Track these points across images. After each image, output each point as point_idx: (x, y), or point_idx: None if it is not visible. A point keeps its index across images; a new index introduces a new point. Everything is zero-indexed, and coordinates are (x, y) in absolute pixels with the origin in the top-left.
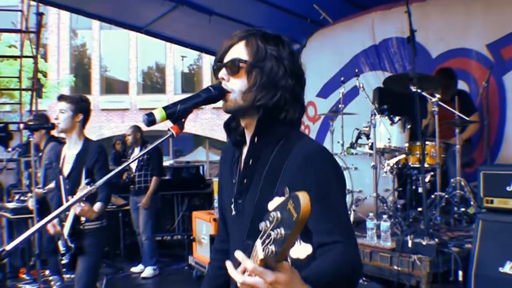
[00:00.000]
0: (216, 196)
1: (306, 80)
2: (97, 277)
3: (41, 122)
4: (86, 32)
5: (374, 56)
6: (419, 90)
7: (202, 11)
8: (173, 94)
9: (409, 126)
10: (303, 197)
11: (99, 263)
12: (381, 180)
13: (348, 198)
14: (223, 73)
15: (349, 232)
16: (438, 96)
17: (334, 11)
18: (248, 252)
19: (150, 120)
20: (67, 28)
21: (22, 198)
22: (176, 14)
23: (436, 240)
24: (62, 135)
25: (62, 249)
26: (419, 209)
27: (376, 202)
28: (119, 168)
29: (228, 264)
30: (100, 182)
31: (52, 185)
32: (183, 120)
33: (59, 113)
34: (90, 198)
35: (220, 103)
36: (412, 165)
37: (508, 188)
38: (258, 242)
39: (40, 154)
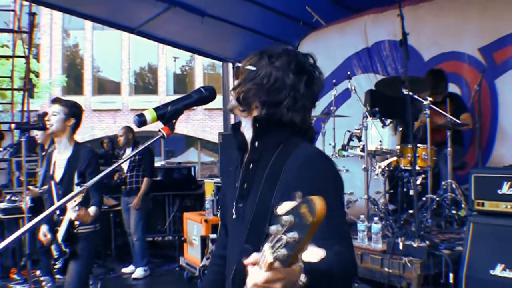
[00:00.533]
0: (207, 197)
1: None
2: (88, 280)
3: (39, 121)
4: (78, 32)
5: (367, 59)
6: (411, 93)
7: (195, 13)
8: (165, 95)
9: (400, 129)
10: (319, 201)
11: (90, 266)
12: (372, 182)
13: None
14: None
15: (345, 236)
16: (430, 99)
17: (326, 13)
18: (247, 257)
19: (141, 121)
20: (60, 28)
21: (13, 198)
22: (168, 15)
23: (427, 242)
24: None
25: (55, 253)
26: (410, 211)
27: (367, 204)
28: (110, 168)
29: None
30: (91, 182)
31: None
32: (174, 121)
33: (51, 115)
34: (83, 203)
35: (211, 105)
36: (403, 168)
37: (499, 191)
38: (267, 246)
39: (44, 153)
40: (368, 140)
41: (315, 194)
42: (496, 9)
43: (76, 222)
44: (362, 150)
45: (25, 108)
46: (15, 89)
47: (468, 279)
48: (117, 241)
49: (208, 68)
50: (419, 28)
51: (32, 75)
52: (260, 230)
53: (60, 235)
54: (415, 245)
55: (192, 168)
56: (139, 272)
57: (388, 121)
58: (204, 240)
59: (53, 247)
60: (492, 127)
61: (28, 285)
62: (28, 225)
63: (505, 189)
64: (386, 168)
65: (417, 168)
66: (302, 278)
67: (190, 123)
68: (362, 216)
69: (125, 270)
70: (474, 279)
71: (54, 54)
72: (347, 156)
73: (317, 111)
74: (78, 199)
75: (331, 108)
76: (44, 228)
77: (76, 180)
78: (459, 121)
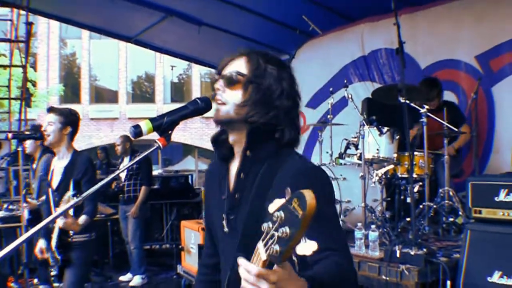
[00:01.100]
0: (205, 205)
1: None
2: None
3: (34, 131)
4: (75, 41)
5: (363, 67)
6: (407, 101)
7: (191, 22)
8: (162, 103)
9: (397, 137)
10: (309, 194)
11: (86, 276)
12: (369, 190)
13: (337, 208)
14: (220, 84)
15: (343, 245)
16: (426, 107)
17: (323, 22)
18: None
19: (137, 132)
20: (57, 37)
21: (10, 207)
22: (165, 24)
23: (425, 250)
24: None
25: (51, 261)
26: (408, 219)
27: (365, 212)
28: (107, 178)
29: (241, 261)
30: (87, 193)
31: (44, 197)
32: (170, 132)
33: (47, 125)
34: (76, 211)
35: (209, 113)
36: (400, 175)
37: (496, 199)
38: (260, 244)
39: (35, 165)
40: (365, 148)
41: None
42: (492, 16)
43: (71, 231)
44: (359, 158)
45: (23, 117)
46: (13, 98)
47: (465, 286)
48: (115, 250)
49: (205, 76)
50: (416, 36)
51: (29, 84)
52: (252, 241)
53: (53, 242)
54: (412, 252)
55: (190, 176)
56: (136, 280)
57: (385, 129)
58: (201, 248)
59: (49, 254)
60: (489, 135)
61: None
62: (26, 235)
63: (502, 197)
64: (383, 176)
65: (414, 176)
66: None
67: (187, 131)
68: (359, 224)
69: (122, 278)
70: (471, 286)
71: (51, 63)
72: (344, 164)
73: (314, 119)
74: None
75: (328, 116)
76: (41, 244)
77: (71, 188)
78: (455, 129)
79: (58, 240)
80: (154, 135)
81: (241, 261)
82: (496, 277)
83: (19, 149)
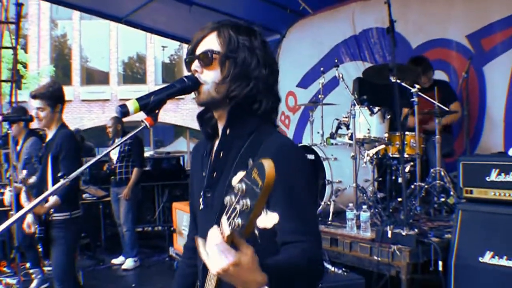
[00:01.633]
0: None
1: (287, 70)
2: (74, 268)
3: (20, 114)
4: (66, 22)
5: (354, 47)
6: (398, 81)
7: (182, 1)
8: (153, 84)
9: (388, 117)
10: (267, 163)
11: (71, 256)
12: (360, 171)
13: (328, 189)
14: (196, 65)
15: (313, 231)
16: (418, 86)
17: (313, 1)
18: None
19: (123, 111)
20: (47, 18)
21: (1, 190)
22: (156, 4)
23: (416, 230)
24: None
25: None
26: (399, 199)
27: (356, 192)
28: (93, 160)
29: (199, 241)
30: (75, 174)
31: (31, 180)
32: (157, 111)
33: (37, 112)
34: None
35: None
36: (392, 155)
37: (487, 178)
38: (224, 218)
39: (19, 148)
40: (356, 128)
41: (284, 187)
42: None
43: (51, 210)
44: (350, 138)
45: (13, 100)
46: (3, 81)
47: (457, 266)
48: (107, 232)
49: None
50: (407, 15)
51: (19, 66)
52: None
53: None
54: (404, 233)
55: (181, 158)
56: (129, 263)
57: (376, 109)
58: None
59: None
60: (480, 114)
61: (18, 278)
62: (14, 217)
63: (493, 176)
64: (375, 156)
65: (406, 155)
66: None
67: (179, 113)
68: (350, 205)
69: (115, 261)
70: (463, 267)
71: (42, 45)
72: (335, 144)
73: (305, 99)
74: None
75: (319, 96)
76: (29, 219)
77: (50, 163)
78: (447, 108)
79: (37, 217)
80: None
81: (200, 242)
82: (487, 257)
83: (10, 131)
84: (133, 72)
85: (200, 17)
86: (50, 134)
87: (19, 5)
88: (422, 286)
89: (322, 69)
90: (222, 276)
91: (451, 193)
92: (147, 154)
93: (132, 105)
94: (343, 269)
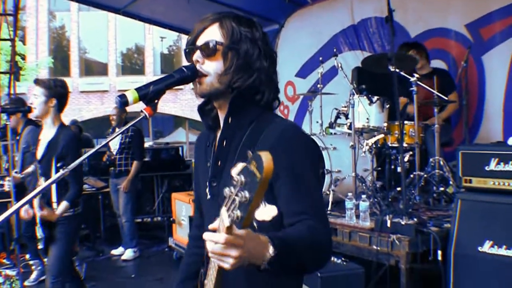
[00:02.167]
0: None
1: (285, 60)
2: (71, 265)
3: (18, 105)
4: (64, 14)
5: (353, 36)
6: (397, 70)
7: None
8: (152, 75)
9: (387, 106)
10: (265, 156)
11: (70, 251)
12: (360, 160)
13: (327, 178)
14: (198, 55)
15: (320, 212)
16: (417, 75)
17: None
18: None
19: (123, 102)
20: (46, 10)
21: (0, 182)
22: None
23: (415, 219)
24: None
25: (39, 234)
26: (398, 188)
27: (355, 182)
28: (94, 149)
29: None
30: (73, 165)
31: (29, 169)
32: (156, 101)
33: (33, 98)
34: (61, 188)
35: None
36: (391, 145)
37: (486, 168)
38: (223, 210)
39: (18, 138)
40: (355, 117)
41: (289, 170)
42: None
43: (54, 206)
44: (349, 127)
45: (12, 91)
46: (1, 72)
47: (456, 256)
48: (106, 223)
49: None
50: (406, 4)
51: (18, 58)
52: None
53: (37, 218)
54: (403, 222)
55: (180, 148)
56: (128, 254)
57: (375, 98)
58: (192, 220)
59: (37, 227)
60: (480, 104)
61: (18, 269)
62: (14, 207)
63: (492, 166)
64: (374, 146)
65: (405, 145)
66: (271, 251)
67: (178, 103)
68: (350, 194)
69: (114, 252)
70: (462, 256)
71: (40, 36)
72: (334, 134)
73: (304, 89)
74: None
75: (318, 85)
76: (26, 206)
77: (54, 164)
78: (446, 98)
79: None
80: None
81: (205, 235)
82: (486, 247)
83: (8, 123)
84: (132, 63)
85: (198, 8)
86: (47, 130)
87: None
88: (421, 276)
89: (321, 58)
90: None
91: (450, 182)
92: (146, 144)
93: (131, 95)
94: (343, 258)
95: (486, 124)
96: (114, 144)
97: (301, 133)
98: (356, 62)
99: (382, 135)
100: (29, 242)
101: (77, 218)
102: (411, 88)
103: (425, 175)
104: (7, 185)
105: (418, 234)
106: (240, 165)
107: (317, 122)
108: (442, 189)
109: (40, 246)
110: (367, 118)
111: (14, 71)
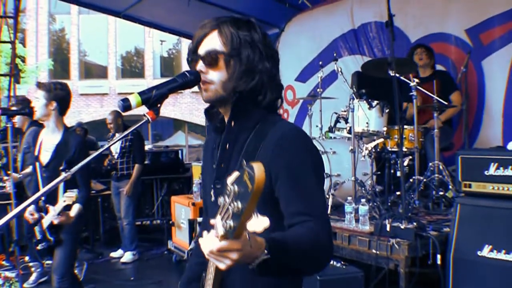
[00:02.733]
0: (195, 180)
1: (285, 64)
2: (74, 265)
3: (23, 106)
4: (64, 17)
5: (353, 41)
6: (397, 75)
7: None
8: (152, 78)
9: (387, 110)
10: (257, 168)
11: (74, 252)
12: (359, 164)
13: (327, 182)
14: (201, 65)
15: (320, 213)
16: (416, 80)
17: None
18: None
19: (125, 105)
20: (46, 13)
21: (0, 184)
22: None
23: (415, 224)
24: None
25: (38, 235)
26: (398, 193)
27: (355, 186)
28: (95, 153)
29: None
30: (76, 167)
31: (28, 169)
32: (159, 105)
33: (35, 101)
34: (69, 187)
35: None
36: (390, 149)
37: (486, 172)
38: (218, 218)
39: (21, 138)
40: (355, 122)
41: (290, 172)
42: None
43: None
44: (349, 132)
45: (12, 94)
46: (1, 75)
47: (455, 260)
48: (106, 226)
49: None
50: (406, 9)
51: (18, 60)
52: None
53: (45, 222)
54: (402, 226)
55: (180, 152)
56: (127, 256)
57: (375, 102)
58: (192, 223)
59: (36, 228)
60: (479, 109)
61: (17, 271)
62: (15, 211)
63: (492, 171)
64: (373, 150)
65: (404, 149)
66: (263, 253)
67: (177, 106)
68: (349, 198)
69: (113, 254)
70: (461, 261)
71: (40, 39)
72: (334, 138)
73: (303, 93)
74: (67, 201)
75: (318, 90)
76: (30, 208)
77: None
78: (445, 102)
79: (51, 222)
80: (144, 110)
81: (201, 240)
82: (486, 251)
83: (9, 125)
84: (132, 66)
85: (198, 11)
86: (50, 133)
87: (17, 0)
88: (420, 280)
89: (320, 63)
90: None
91: (450, 187)
92: (145, 148)
93: (134, 99)
94: (342, 262)
95: (486, 129)
96: (115, 148)
97: (301, 135)
98: (356, 66)
99: (381, 140)
100: (31, 243)
101: (80, 219)
102: (411, 93)
103: (425, 180)
104: (8, 186)
105: (417, 238)
106: (235, 174)
107: (317, 126)
108: (441, 193)
109: (40, 247)
110: (367, 123)
111: (14, 74)
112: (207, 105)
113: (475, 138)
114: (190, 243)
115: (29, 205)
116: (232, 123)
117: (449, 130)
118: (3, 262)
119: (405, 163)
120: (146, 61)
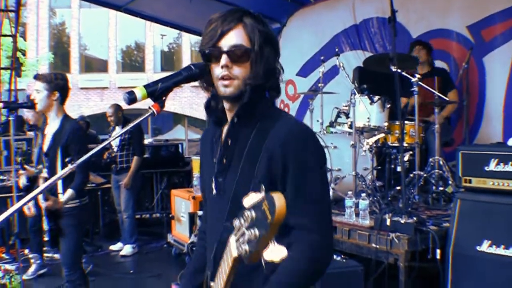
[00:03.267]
0: (195, 174)
1: (287, 58)
2: (81, 256)
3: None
4: (65, 10)
5: (355, 36)
6: (399, 70)
7: None
8: (152, 72)
9: (388, 106)
10: (278, 200)
11: (80, 243)
12: (360, 159)
13: (328, 177)
14: (226, 60)
15: (322, 220)
16: (418, 76)
17: None
18: (226, 236)
19: (131, 98)
20: (46, 6)
21: (0, 177)
22: None
23: (415, 218)
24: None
25: (46, 227)
26: (398, 187)
27: (355, 180)
28: (97, 148)
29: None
30: (81, 160)
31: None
32: (164, 98)
33: (35, 94)
34: (67, 179)
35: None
36: (391, 144)
37: (486, 168)
38: (232, 239)
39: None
40: (356, 116)
41: (295, 173)
42: None
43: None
44: (350, 126)
45: (13, 87)
46: (2, 68)
47: (455, 255)
48: (105, 219)
49: (195, 45)
50: (408, 5)
51: (19, 54)
52: (242, 206)
53: (44, 209)
54: (402, 221)
55: (180, 145)
56: (127, 249)
57: (376, 97)
58: (192, 217)
59: (44, 220)
60: (480, 105)
61: (17, 264)
62: (22, 202)
63: (492, 166)
64: (374, 145)
65: (405, 144)
66: None
67: (177, 100)
68: (349, 193)
69: (113, 247)
70: (460, 255)
71: (40, 33)
72: (335, 132)
73: (305, 88)
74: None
75: (319, 85)
76: (29, 203)
77: (59, 155)
78: (446, 98)
79: (47, 209)
80: (145, 103)
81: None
82: (485, 246)
83: (10, 118)
84: (132, 60)
85: (199, 6)
86: (51, 123)
87: None
88: (420, 274)
89: (322, 58)
90: None
91: (450, 182)
92: (145, 141)
93: (139, 92)
94: (342, 256)
95: (486, 125)
96: (115, 142)
97: (307, 133)
98: (357, 61)
99: (382, 135)
100: (34, 236)
101: (83, 209)
102: (412, 89)
103: (425, 175)
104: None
105: (417, 233)
106: (252, 197)
107: (318, 121)
108: (441, 188)
109: (46, 238)
110: (368, 118)
111: (15, 67)
112: (206, 99)
113: (476, 134)
114: (190, 237)
115: (32, 199)
116: (235, 120)
117: (448, 126)
118: (3, 255)
119: (406, 158)
120: (147, 55)
